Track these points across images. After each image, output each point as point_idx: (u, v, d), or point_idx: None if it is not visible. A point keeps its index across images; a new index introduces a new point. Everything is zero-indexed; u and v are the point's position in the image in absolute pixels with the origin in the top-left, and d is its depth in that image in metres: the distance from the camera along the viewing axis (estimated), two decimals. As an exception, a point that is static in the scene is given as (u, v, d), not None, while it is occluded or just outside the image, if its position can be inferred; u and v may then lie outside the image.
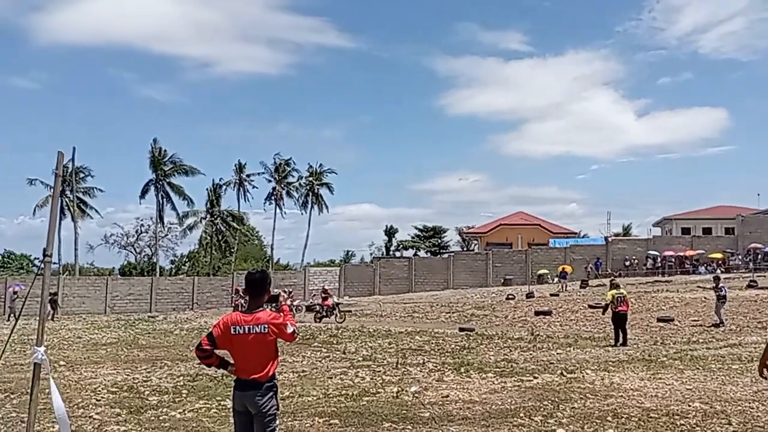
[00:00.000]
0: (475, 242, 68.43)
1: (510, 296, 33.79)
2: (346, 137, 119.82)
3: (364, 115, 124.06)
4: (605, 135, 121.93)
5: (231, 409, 4.35)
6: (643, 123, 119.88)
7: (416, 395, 8.31)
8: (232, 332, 4.15)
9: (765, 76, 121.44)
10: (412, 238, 77.79)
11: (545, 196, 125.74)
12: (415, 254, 69.66)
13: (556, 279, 44.17)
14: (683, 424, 6.27)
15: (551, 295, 33.68)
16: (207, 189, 61.70)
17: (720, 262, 45.09)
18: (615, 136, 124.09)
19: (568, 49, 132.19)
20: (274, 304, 4.54)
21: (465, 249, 73.00)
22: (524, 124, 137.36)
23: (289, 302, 35.81)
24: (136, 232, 67.53)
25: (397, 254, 73.41)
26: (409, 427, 6.56)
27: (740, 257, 47.00)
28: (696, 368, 10.03)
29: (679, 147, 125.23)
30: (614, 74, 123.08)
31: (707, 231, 57.06)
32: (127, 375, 10.90)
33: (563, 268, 44.47)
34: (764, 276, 34.96)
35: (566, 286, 38.52)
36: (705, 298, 24.82)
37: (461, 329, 20.23)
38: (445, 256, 58.71)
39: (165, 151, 56.08)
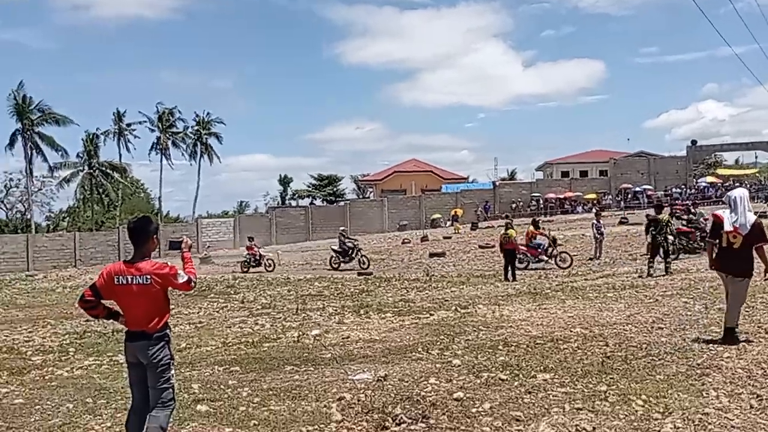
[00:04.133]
0: (371, 190, 69.02)
1: (406, 240, 34.64)
2: (236, 86, 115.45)
3: (256, 64, 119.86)
4: (493, 85, 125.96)
5: (124, 364, 4.13)
6: (528, 73, 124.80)
7: (317, 338, 8.36)
8: (116, 282, 3.93)
9: (637, 30, 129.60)
10: (308, 187, 77.15)
11: (438, 144, 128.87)
12: (311, 203, 69.24)
13: (448, 222, 45.76)
14: (566, 348, 6.74)
15: (444, 237, 34.89)
16: (82, 139, 57.26)
17: (595, 201, 48.51)
18: (502, 86, 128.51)
19: (461, 0, 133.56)
20: (178, 251, 4.34)
21: (361, 197, 73.47)
22: (418, 74, 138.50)
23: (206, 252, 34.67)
24: (5, 186, 61.85)
25: (293, 204, 72.63)
26: (311, 368, 6.60)
27: (612, 197, 50.88)
28: (576, 298, 10.81)
29: (560, 96, 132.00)
30: (503, 26, 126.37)
31: (584, 174, 61.05)
32: (6, 336, 10.12)
33: (455, 212, 46.09)
34: (633, 213, 38.15)
35: (458, 229, 40.01)
36: (583, 234, 26.74)
37: (359, 273, 20.54)
38: (341, 204, 58.88)
39: (30, 98, 51.04)
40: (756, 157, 56.20)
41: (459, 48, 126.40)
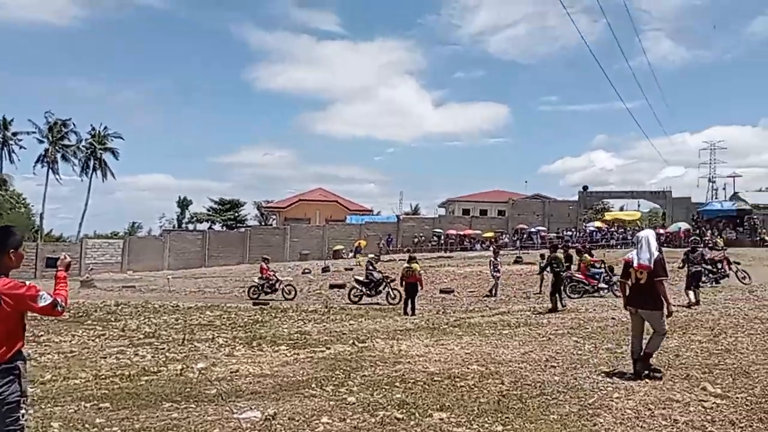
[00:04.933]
0: (274, 217, 67.84)
1: (306, 270, 34.04)
2: (141, 101, 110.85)
3: (164, 80, 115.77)
4: (404, 121, 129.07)
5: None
6: (438, 112, 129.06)
7: (203, 372, 7.76)
8: (-39, 302, 3.33)
9: (540, 79, 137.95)
10: (208, 210, 74.66)
11: (346, 176, 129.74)
12: (209, 228, 66.90)
13: (351, 254, 45.59)
14: (463, 386, 6.62)
15: (346, 269, 34.59)
16: (-43, 146, 52.55)
17: (492, 240, 50.19)
18: (413, 123, 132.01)
19: (378, 35, 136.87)
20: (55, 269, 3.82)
21: (263, 224, 71.95)
22: (331, 105, 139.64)
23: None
24: None
25: (191, 227, 69.87)
26: (193, 405, 6.05)
27: (509, 236, 52.88)
28: (473, 334, 10.83)
29: (466, 136, 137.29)
30: (416, 64, 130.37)
31: (484, 212, 63.29)
32: None
33: (358, 243, 46.04)
34: (528, 253, 39.71)
35: (361, 261, 39.86)
36: (480, 271, 27.37)
37: (255, 303, 19.77)
38: (242, 230, 57.28)
39: None
40: (638, 205, 60.56)
41: (373, 82, 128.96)
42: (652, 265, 6.82)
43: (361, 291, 20.48)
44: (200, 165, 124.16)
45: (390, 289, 20.09)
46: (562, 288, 15.03)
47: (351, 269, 34.34)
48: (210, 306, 18.54)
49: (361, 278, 21.13)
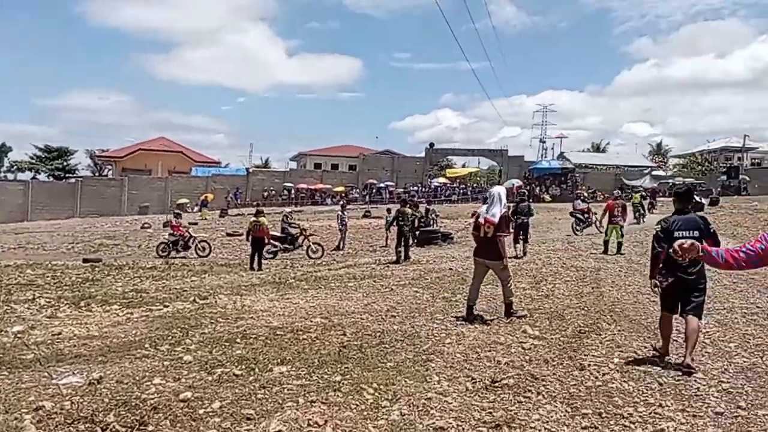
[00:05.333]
0: (110, 167, 62.82)
1: (146, 225, 32.12)
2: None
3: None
4: (255, 69, 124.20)
5: None
6: (292, 62, 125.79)
7: (19, 335, 7.03)
8: None
9: (394, 34, 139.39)
10: (31, 158, 67.17)
11: (192, 125, 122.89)
12: (33, 177, 60.39)
13: (196, 207, 43.73)
14: (305, 338, 6.65)
15: (190, 223, 33.10)
16: None
17: (343, 194, 50.80)
18: (264, 72, 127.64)
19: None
20: None
21: (97, 174, 66.37)
22: (176, 48, 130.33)
23: None
24: None
25: (10, 176, 62.56)
26: (5, 372, 5.45)
27: (359, 191, 53.84)
28: (318, 287, 10.92)
29: (319, 88, 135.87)
30: (270, 11, 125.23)
31: (335, 167, 63.59)
32: None
33: (205, 197, 44.26)
34: (377, 207, 40.76)
35: (207, 215, 38.39)
36: (330, 225, 27.63)
37: (85, 260, 18.32)
38: (72, 181, 52.36)
39: None
40: (479, 163, 64.38)
41: (222, 26, 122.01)
42: (497, 221, 7.33)
43: (276, 247, 19.72)
44: (22, 107, 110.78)
45: (311, 243, 19.75)
46: (405, 241, 15.66)
47: (196, 224, 32.97)
48: (32, 264, 16.84)
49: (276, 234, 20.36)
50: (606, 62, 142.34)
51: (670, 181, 48.94)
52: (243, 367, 5.49)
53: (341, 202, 27.60)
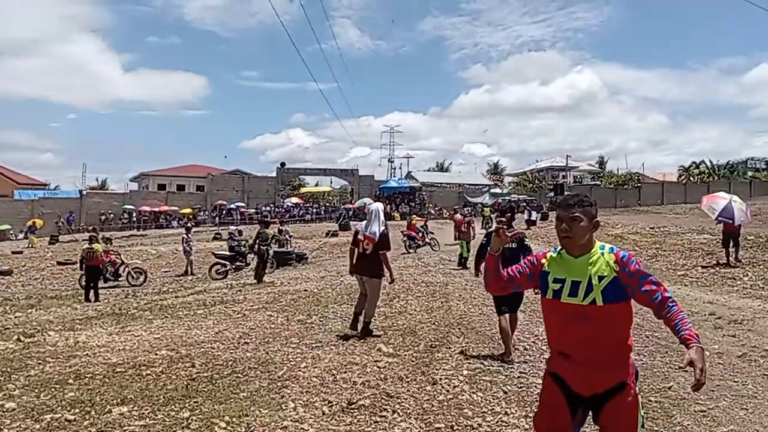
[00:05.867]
0: None
1: (-43, 256, 28.25)
2: None
3: None
4: (87, 84, 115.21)
5: None
6: (129, 77, 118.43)
7: None
8: None
9: (240, 53, 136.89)
10: None
11: (14, 142, 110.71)
12: None
13: (21, 234, 39.39)
14: (149, 374, 6.19)
15: (14, 252, 29.76)
16: None
17: (190, 216, 48.61)
18: (98, 87, 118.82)
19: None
20: None
21: None
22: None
23: None
24: None
25: None
26: None
27: (208, 213, 51.84)
28: (165, 317, 10.26)
29: (162, 106, 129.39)
30: (103, 22, 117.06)
31: (181, 188, 60.73)
32: None
33: (33, 222, 40.04)
34: (227, 229, 39.37)
35: (34, 242, 34.71)
36: (176, 250, 26.23)
37: None
38: None
39: None
40: (331, 182, 64.93)
41: (48, 35, 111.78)
42: (377, 239, 7.46)
43: (226, 266, 19.00)
44: None
45: (130, 269, 18.45)
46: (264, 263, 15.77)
47: (20, 252, 29.71)
48: None
49: (224, 253, 19.91)
50: (445, 86, 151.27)
51: (506, 198, 52.88)
52: (77, 410, 4.97)
53: (187, 225, 26.34)
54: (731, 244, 15.20)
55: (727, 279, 13.24)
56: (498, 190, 62.33)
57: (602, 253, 2.71)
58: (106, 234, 38.06)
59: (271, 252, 16.20)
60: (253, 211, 50.28)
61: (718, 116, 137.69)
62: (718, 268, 14.73)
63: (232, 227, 23.75)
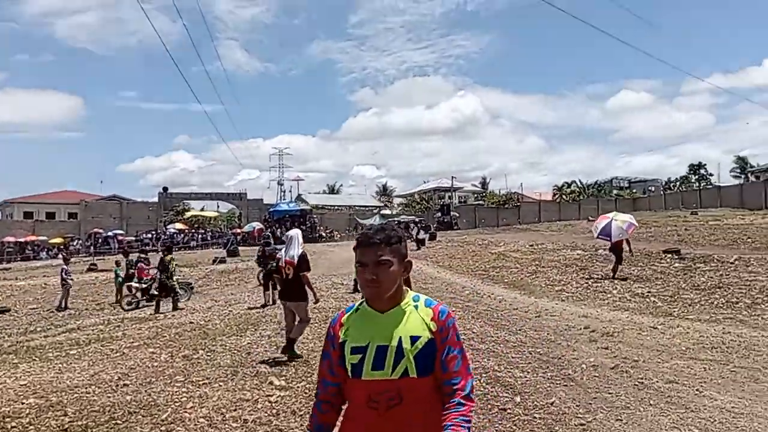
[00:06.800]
0: None
1: None
2: None
3: None
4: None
5: None
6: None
7: None
8: None
9: (117, 73, 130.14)
10: None
11: None
12: None
13: None
14: (15, 426, 5.61)
15: None
16: None
17: (62, 246, 45.19)
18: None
19: None
20: None
21: None
22: None
23: None
24: None
25: None
26: None
27: (82, 242, 48.42)
28: (32, 360, 9.38)
29: (32, 127, 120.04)
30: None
31: (51, 215, 56.45)
32: None
33: None
34: (104, 259, 37.00)
35: None
36: (46, 284, 24.24)
37: None
38: None
39: None
40: (218, 206, 63.05)
41: None
42: (296, 261, 7.79)
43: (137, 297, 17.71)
44: None
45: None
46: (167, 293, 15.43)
47: None
48: None
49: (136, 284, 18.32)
50: (335, 109, 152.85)
51: (396, 219, 53.91)
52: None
53: (64, 256, 24.44)
54: (616, 259, 16.51)
55: (599, 293, 14.25)
56: (388, 212, 63.50)
57: (416, 306, 2.06)
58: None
59: (173, 280, 15.56)
60: (133, 238, 47.60)
61: (586, 139, 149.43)
62: (590, 282, 15.84)
63: (134, 255, 22.25)
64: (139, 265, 19.02)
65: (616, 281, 15.55)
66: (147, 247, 31.49)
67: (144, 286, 18.09)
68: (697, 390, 5.97)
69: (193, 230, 53.73)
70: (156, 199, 55.91)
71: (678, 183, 76.19)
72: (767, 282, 13.33)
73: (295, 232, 8.44)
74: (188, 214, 57.62)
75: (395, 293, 2.06)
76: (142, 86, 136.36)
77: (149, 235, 48.98)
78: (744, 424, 4.99)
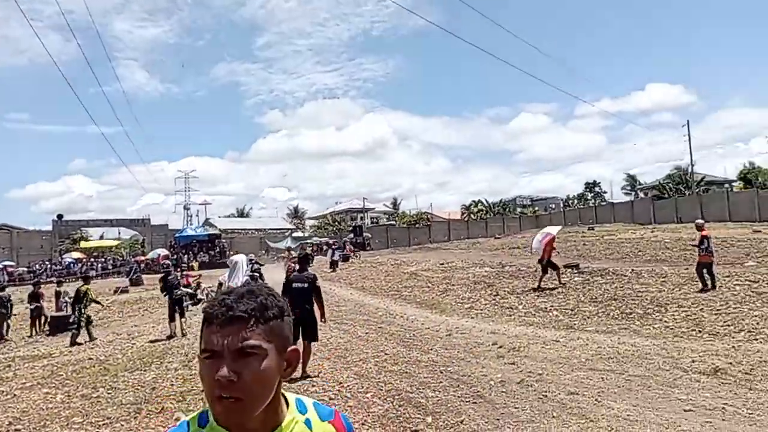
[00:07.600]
0: None
1: None
2: None
3: None
4: None
5: None
6: None
7: None
8: None
9: (6, 93, 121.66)
10: None
11: None
12: None
13: None
14: None
15: None
16: None
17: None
18: None
19: None
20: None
21: None
22: None
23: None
24: None
25: None
26: None
27: (-34, 275, 44.55)
28: None
29: None
30: None
31: (-71, 247, 51.53)
32: None
33: None
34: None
35: None
36: None
37: None
38: None
39: None
40: (119, 233, 60.04)
41: None
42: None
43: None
44: None
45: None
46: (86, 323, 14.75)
47: None
48: None
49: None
50: (243, 131, 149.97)
51: (308, 241, 53.49)
52: None
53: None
54: (552, 268, 17.34)
55: (506, 309, 14.78)
56: (300, 234, 62.92)
57: (307, 422, 1.24)
58: None
59: (85, 311, 14.83)
60: (25, 269, 44.38)
61: (490, 159, 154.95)
62: (498, 298, 16.40)
63: (60, 287, 20.93)
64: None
65: (521, 296, 16.20)
66: (41, 278, 29.40)
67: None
68: (596, 400, 6.32)
69: (93, 259, 50.84)
70: (50, 227, 52.51)
71: (576, 200, 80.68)
72: (657, 293, 14.32)
73: (240, 258, 8.63)
74: (85, 244, 54.44)
75: (271, 407, 1.15)
76: (35, 108, 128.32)
77: (44, 266, 45.88)
78: (637, 431, 5.33)
